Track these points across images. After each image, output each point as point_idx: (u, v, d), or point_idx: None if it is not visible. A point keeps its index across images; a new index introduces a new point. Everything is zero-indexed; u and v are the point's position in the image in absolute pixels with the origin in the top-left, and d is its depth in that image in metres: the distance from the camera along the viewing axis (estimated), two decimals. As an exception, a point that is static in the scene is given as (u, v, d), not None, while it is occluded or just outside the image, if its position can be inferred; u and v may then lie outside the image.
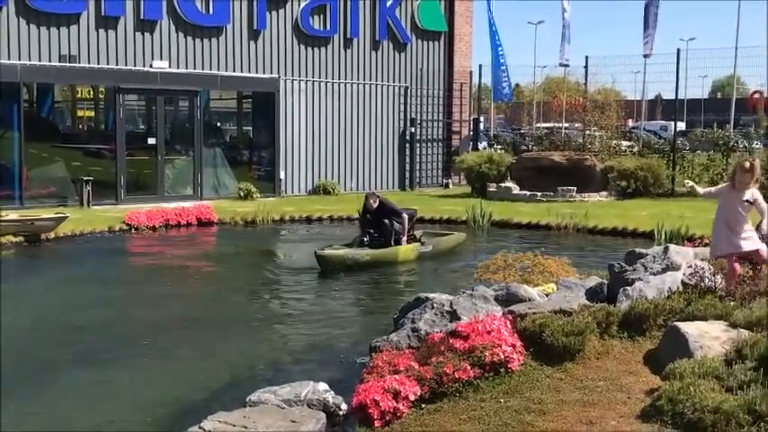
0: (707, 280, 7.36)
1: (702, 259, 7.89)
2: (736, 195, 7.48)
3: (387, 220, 13.56)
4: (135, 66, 20.74)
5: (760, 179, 7.64)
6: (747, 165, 7.46)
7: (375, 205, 13.74)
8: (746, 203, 7.46)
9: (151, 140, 21.29)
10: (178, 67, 21.35)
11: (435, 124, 26.68)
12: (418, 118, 25.95)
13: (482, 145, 30.04)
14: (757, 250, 7.48)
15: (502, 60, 27.52)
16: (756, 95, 61.56)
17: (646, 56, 25.85)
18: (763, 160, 21.90)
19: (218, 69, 22.03)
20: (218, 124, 24.91)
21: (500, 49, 27.45)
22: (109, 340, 8.72)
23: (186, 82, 21.39)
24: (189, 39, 21.59)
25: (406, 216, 13.72)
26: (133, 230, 16.80)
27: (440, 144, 26.83)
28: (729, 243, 7.48)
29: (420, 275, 12.95)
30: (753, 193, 7.47)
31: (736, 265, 7.47)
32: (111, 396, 7.01)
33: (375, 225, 13.68)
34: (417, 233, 14.55)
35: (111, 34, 20.49)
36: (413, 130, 25.72)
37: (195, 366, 7.89)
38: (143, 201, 20.06)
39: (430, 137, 26.54)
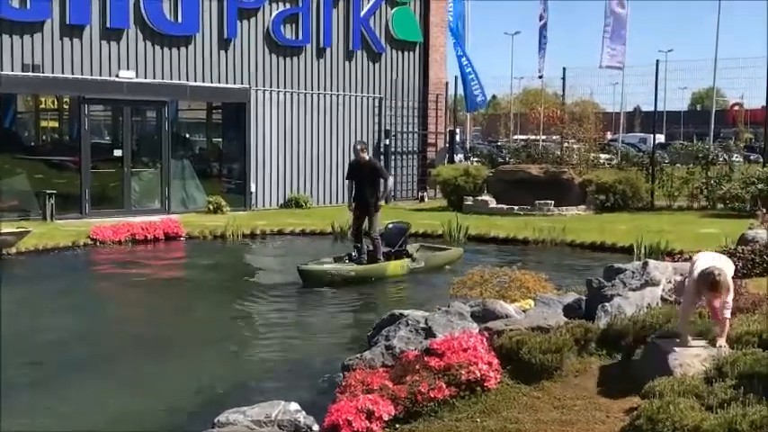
0: (686, 296, 7.38)
1: (682, 275, 7.94)
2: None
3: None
4: (101, 75, 20.61)
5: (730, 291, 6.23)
6: (713, 278, 6.07)
7: (366, 157, 13.63)
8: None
9: (117, 152, 21.13)
10: (145, 77, 21.25)
11: (410, 136, 26.74)
12: (393, 129, 26.00)
13: (458, 157, 30.16)
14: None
15: (468, 70, 27.61)
16: (736, 108, 62.34)
17: (608, 67, 25.97)
18: (743, 173, 22.27)
19: (187, 79, 21.96)
20: (187, 136, 24.77)
21: (462, 59, 27.55)
22: (75, 358, 8.62)
23: (154, 92, 21.29)
24: (157, 48, 21.50)
25: (391, 180, 13.54)
26: (98, 245, 16.66)
27: (415, 156, 26.89)
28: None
29: (406, 290, 12.92)
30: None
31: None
32: (77, 416, 6.91)
33: (364, 182, 13.54)
34: (414, 246, 14.56)
35: (76, 43, 20.36)
36: (387, 141, 25.75)
37: (162, 385, 7.81)
38: (108, 215, 19.90)
39: (405, 149, 26.59)
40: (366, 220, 13.60)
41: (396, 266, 13.57)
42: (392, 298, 12.45)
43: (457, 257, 14.73)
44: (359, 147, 13.71)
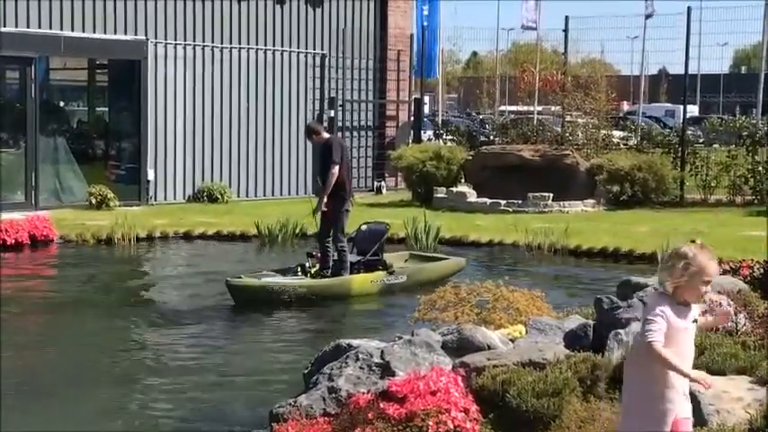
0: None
1: (719, 292, 8.02)
2: (682, 316, 5.31)
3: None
4: (-57, 22, 20.41)
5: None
6: (690, 253, 5.23)
7: (322, 137, 13.90)
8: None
9: (-34, 126, 21.01)
10: (4, 25, 21.02)
11: (363, 106, 26.80)
12: (339, 97, 26.01)
13: (426, 135, 30.23)
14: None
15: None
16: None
17: (647, 16, 26.24)
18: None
19: (62, 28, 21.76)
20: (62, 104, 24.62)
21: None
22: None
23: (16, 45, 21.03)
24: (20, -15, 21.31)
25: (333, 172, 13.51)
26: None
27: (369, 134, 26.95)
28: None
29: (373, 314, 13.03)
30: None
31: None
32: None
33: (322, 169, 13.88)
34: (402, 255, 14.73)
35: None
36: (332, 113, 25.75)
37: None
38: (-46, 211, 19.70)
39: (355, 123, 26.63)
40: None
41: (363, 281, 13.63)
42: (351, 323, 12.54)
43: (453, 271, 14.68)
44: (316, 132, 14.05)
